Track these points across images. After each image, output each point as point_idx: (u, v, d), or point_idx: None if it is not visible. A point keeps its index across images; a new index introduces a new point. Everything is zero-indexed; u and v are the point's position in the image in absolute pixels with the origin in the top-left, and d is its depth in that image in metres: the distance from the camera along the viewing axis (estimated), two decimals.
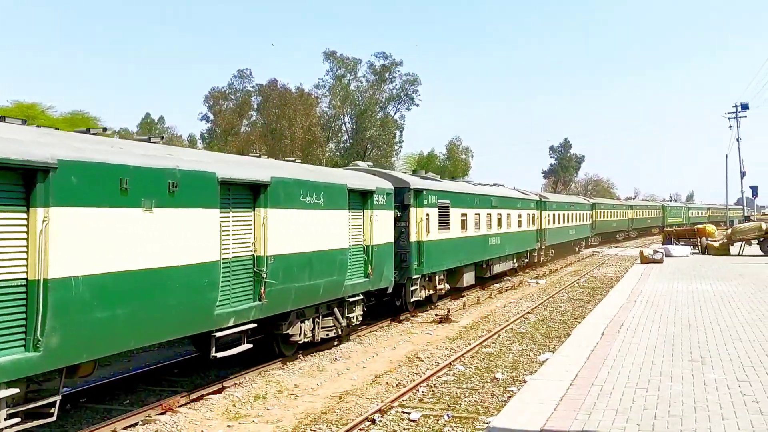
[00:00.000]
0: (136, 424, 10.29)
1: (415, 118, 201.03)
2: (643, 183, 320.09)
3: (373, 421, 10.45)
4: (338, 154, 64.74)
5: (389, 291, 18.23)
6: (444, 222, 22.17)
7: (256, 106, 64.36)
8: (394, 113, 68.38)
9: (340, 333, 15.74)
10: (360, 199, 16.20)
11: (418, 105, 68.49)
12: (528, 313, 21.40)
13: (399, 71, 67.18)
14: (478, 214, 25.98)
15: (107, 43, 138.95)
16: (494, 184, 33.06)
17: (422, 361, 14.94)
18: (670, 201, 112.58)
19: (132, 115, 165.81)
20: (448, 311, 21.09)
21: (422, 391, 12.23)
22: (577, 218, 47.79)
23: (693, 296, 19.71)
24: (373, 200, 16.50)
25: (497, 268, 29.09)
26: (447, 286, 23.05)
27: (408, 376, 13.61)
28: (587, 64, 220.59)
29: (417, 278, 20.12)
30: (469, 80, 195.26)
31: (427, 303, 22.21)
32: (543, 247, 37.79)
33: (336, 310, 15.26)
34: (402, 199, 19.23)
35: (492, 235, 27.64)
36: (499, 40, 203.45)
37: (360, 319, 16.59)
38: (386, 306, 20.02)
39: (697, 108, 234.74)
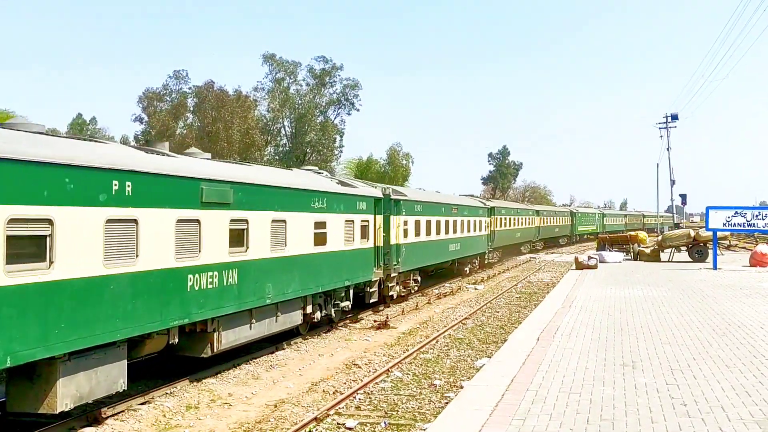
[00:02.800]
0: None
1: (357, 123, 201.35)
2: (580, 191, 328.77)
3: (309, 430, 10.28)
4: (277, 158, 64.10)
5: None
6: None
7: (192, 108, 63.11)
8: (335, 117, 68.18)
9: None
10: None
11: (358, 110, 68.41)
12: (466, 318, 21.53)
13: (339, 75, 67.07)
14: (135, 220, 10.61)
15: (37, 43, 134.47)
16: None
17: (360, 368, 14.82)
18: (605, 208, 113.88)
19: (65, 116, 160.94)
20: (387, 317, 21.01)
21: (359, 399, 12.11)
22: (464, 227, 33.54)
23: (625, 302, 20.17)
24: None
25: (238, 335, 13.90)
26: None
27: (345, 383, 13.47)
28: (529, 72, 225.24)
29: None
30: (411, 87, 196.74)
31: None
32: (393, 274, 23.39)
33: None
34: None
35: (209, 266, 12.56)
36: (443, 49, 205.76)
37: None
38: None
39: (633, 118, 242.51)
